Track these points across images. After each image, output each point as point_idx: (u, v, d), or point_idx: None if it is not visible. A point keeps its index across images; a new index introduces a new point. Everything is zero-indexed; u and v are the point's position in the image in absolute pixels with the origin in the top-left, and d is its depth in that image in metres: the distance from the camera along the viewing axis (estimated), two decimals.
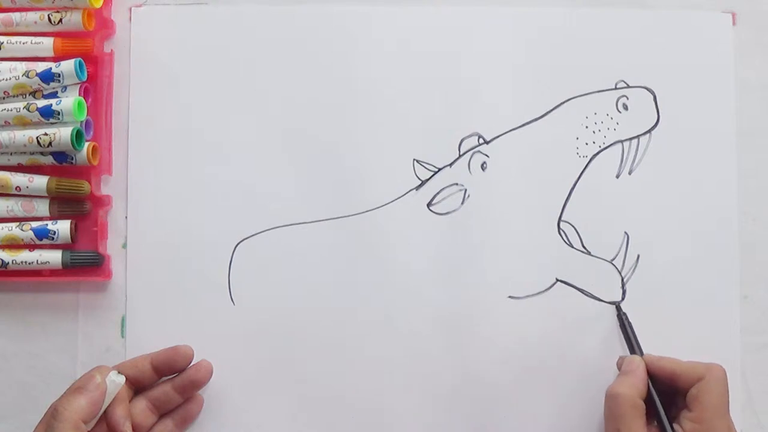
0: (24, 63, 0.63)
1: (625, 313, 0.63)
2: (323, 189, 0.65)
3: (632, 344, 0.62)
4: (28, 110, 0.62)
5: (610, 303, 0.64)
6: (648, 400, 0.58)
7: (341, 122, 0.65)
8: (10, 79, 0.62)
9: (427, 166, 0.65)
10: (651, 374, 0.60)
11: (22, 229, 0.63)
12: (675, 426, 0.58)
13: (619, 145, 0.65)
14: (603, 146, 0.65)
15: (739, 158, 0.65)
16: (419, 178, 0.65)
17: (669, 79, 0.65)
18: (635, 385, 0.58)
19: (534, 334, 0.64)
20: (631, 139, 0.65)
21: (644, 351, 0.61)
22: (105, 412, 0.58)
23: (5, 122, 0.62)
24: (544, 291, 0.64)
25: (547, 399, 0.64)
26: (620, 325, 0.63)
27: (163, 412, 0.62)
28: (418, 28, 0.66)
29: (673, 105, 0.65)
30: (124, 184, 0.65)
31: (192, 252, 0.65)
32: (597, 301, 0.64)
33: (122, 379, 0.59)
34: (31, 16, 0.63)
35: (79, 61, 0.62)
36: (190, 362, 0.62)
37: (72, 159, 0.63)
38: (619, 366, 0.62)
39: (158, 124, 0.65)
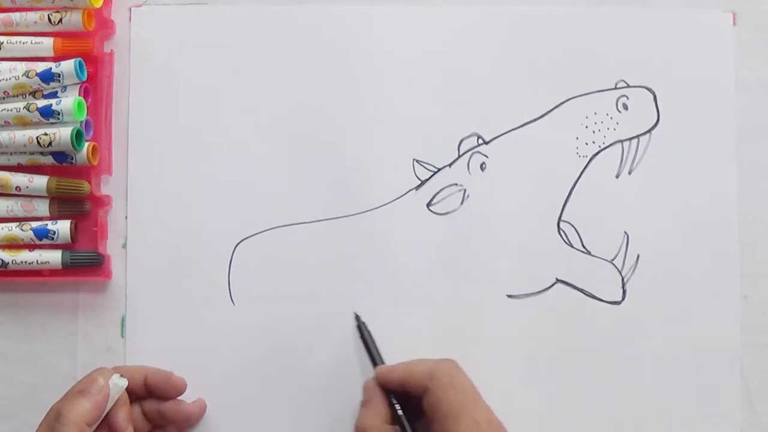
0: (24, 63, 0.63)
1: (364, 323, 0.63)
2: (323, 189, 0.65)
3: (373, 356, 0.61)
4: (28, 110, 0.62)
5: (611, 302, 0.64)
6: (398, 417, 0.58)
7: (341, 122, 0.65)
8: (10, 79, 0.62)
9: (426, 166, 0.65)
10: (388, 389, 0.59)
11: (22, 229, 0.63)
12: None
13: (619, 145, 0.65)
14: (603, 146, 0.65)
15: (739, 158, 0.65)
16: (419, 178, 0.65)
17: (669, 79, 0.65)
18: (377, 413, 0.58)
19: (533, 333, 0.64)
20: (631, 138, 0.65)
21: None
22: (107, 415, 0.58)
23: (5, 122, 0.62)
24: (543, 291, 0.64)
25: (546, 398, 0.64)
26: (360, 336, 0.63)
27: (154, 424, 0.62)
28: (418, 28, 0.66)
29: (673, 105, 0.65)
30: (124, 184, 0.65)
31: (192, 252, 0.65)
32: (597, 301, 0.64)
33: (125, 382, 0.59)
34: (31, 16, 0.63)
35: (79, 61, 0.62)
36: (179, 395, 0.62)
37: (72, 159, 0.63)
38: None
39: (158, 124, 0.65)
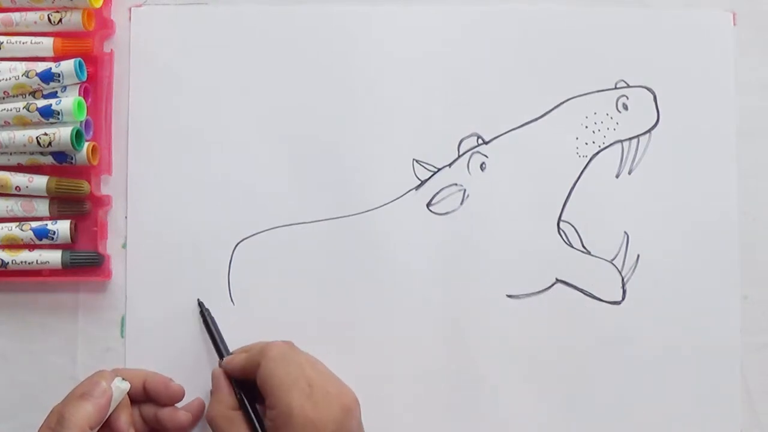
0: (24, 63, 0.63)
1: (207, 309, 0.63)
2: (323, 189, 0.65)
3: (219, 347, 0.62)
4: (27, 110, 0.62)
5: (611, 302, 0.64)
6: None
7: (341, 122, 0.65)
8: (10, 79, 0.62)
9: (426, 166, 0.65)
10: (233, 377, 0.60)
11: (21, 229, 0.63)
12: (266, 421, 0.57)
13: (619, 144, 0.65)
14: (603, 146, 0.65)
15: (739, 158, 0.65)
16: (419, 178, 0.65)
17: (669, 79, 0.65)
18: (222, 401, 0.59)
19: (533, 333, 0.64)
20: (631, 138, 0.65)
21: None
22: (108, 418, 0.58)
23: (5, 122, 0.62)
24: (543, 291, 0.64)
25: (546, 398, 0.64)
26: (203, 323, 0.63)
27: (152, 427, 0.62)
28: (418, 28, 0.66)
29: (673, 105, 0.65)
30: (124, 184, 0.65)
31: (192, 252, 0.65)
32: (597, 301, 0.64)
33: (127, 385, 0.59)
34: (31, 16, 0.63)
35: (79, 61, 0.62)
36: (176, 402, 0.62)
37: (72, 159, 0.63)
38: None
39: (158, 124, 0.65)
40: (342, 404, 0.56)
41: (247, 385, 0.59)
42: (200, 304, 0.63)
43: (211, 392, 0.61)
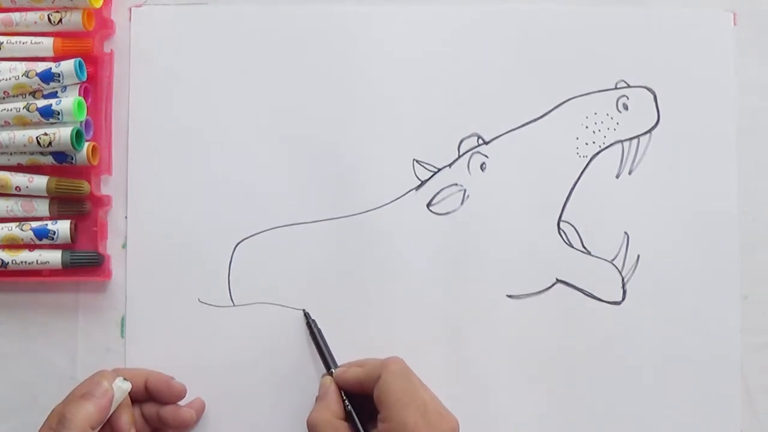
0: (24, 63, 0.63)
1: (314, 320, 0.63)
2: (323, 189, 0.65)
3: (326, 357, 0.62)
4: (28, 110, 0.62)
5: (611, 303, 0.64)
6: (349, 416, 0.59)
7: (341, 122, 0.65)
8: (10, 79, 0.62)
9: (426, 166, 0.65)
10: (344, 388, 0.60)
11: (22, 229, 0.63)
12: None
13: (619, 145, 0.65)
14: (603, 146, 0.65)
15: (739, 158, 0.65)
16: (419, 179, 0.65)
17: (669, 79, 0.65)
18: (329, 408, 0.59)
19: (534, 334, 0.64)
20: (631, 139, 0.65)
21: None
22: (109, 418, 0.58)
23: (5, 122, 0.62)
24: (544, 291, 0.64)
25: (546, 398, 0.64)
26: (310, 334, 0.63)
27: (153, 427, 0.62)
28: (418, 28, 0.66)
29: (674, 105, 0.65)
30: (124, 184, 0.65)
31: (192, 252, 0.65)
32: (597, 301, 0.64)
33: (128, 385, 0.59)
34: (31, 16, 0.63)
35: (79, 61, 0.62)
36: (178, 401, 0.62)
37: (72, 159, 0.63)
38: None
39: (158, 124, 0.65)
40: (451, 428, 0.57)
41: (354, 398, 0.59)
42: (306, 315, 0.63)
43: (318, 398, 0.60)
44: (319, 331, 0.63)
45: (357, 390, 0.59)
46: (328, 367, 0.61)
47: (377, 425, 0.57)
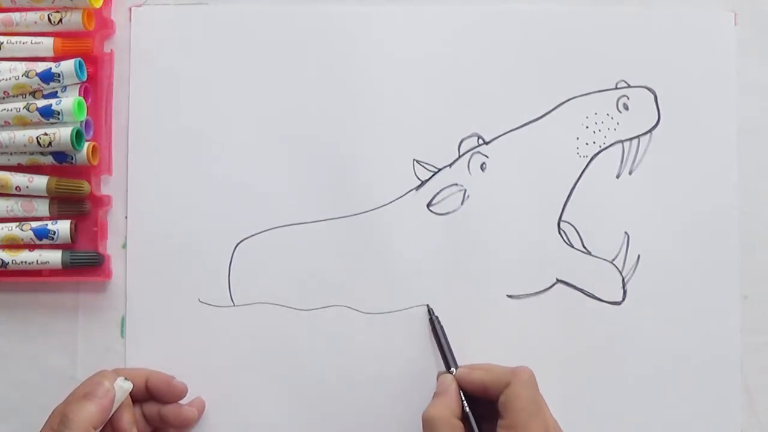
0: (24, 63, 0.63)
1: (437, 317, 0.63)
2: (323, 189, 0.65)
3: (446, 354, 0.62)
4: (28, 110, 0.62)
5: (611, 303, 0.64)
6: (465, 416, 0.58)
7: (341, 122, 0.65)
8: (10, 79, 0.62)
9: (426, 166, 0.65)
10: (464, 389, 0.59)
11: (22, 229, 0.63)
12: None
13: (620, 145, 0.65)
14: (603, 146, 0.65)
15: (739, 158, 0.65)
16: (419, 179, 0.65)
17: (670, 79, 0.65)
18: (448, 406, 0.58)
19: (534, 334, 0.64)
20: (631, 139, 0.65)
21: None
22: (111, 418, 0.58)
23: (5, 122, 0.62)
24: (544, 291, 0.64)
25: (546, 398, 0.63)
26: (432, 331, 0.63)
27: (154, 426, 0.62)
28: (419, 29, 0.65)
29: (674, 105, 0.65)
30: (124, 184, 0.65)
31: (192, 252, 0.65)
32: (597, 302, 0.64)
33: (130, 385, 0.59)
34: (31, 16, 0.63)
35: (79, 61, 0.62)
36: (179, 399, 0.62)
37: (72, 159, 0.63)
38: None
39: (158, 124, 0.65)
40: None
41: (470, 400, 0.59)
42: (430, 311, 0.63)
43: (437, 394, 0.60)
44: (442, 327, 0.62)
45: (478, 392, 0.59)
46: (448, 365, 0.61)
47: (496, 430, 0.56)
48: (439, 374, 0.61)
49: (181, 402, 0.62)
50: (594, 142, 0.65)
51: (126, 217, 0.65)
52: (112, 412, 0.58)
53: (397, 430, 0.64)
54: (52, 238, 0.63)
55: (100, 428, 0.57)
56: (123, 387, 0.59)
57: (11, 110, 0.62)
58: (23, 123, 0.62)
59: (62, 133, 0.61)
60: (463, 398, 0.59)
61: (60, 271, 0.63)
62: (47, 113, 0.61)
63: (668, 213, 0.65)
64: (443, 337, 0.62)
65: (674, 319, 0.64)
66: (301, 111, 0.65)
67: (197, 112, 0.65)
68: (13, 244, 0.63)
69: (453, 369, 0.61)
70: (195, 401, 0.63)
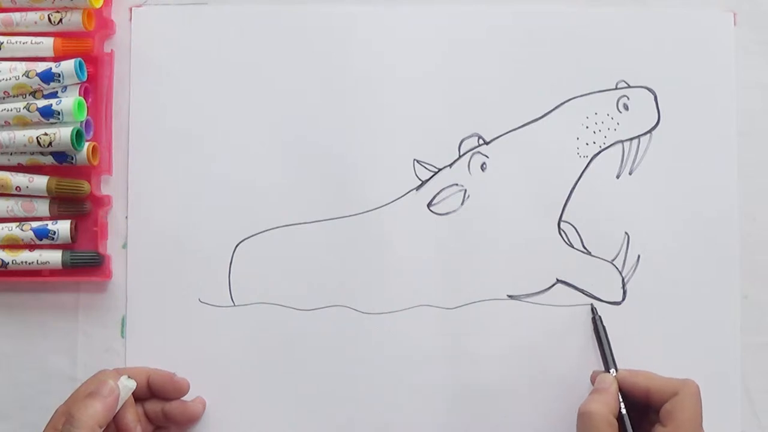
0: (24, 63, 0.63)
1: (600, 317, 0.63)
2: (323, 189, 0.65)
3: (606, 354, 0.61)
4: (28, 110, 0.62)
5: (611, 303, 0.64)
6: (619, 418, 0.58)
7: (341, 122, 0.65)
8: (10, 79, 0.62)
9: (427, 166, 0.65)
10: (623, 390, 0.59)
11: (22, 229, 0.63)
12: None
13: (620, 145, 0.65)
14: (603, 146, 0.65)
15: (739, 158, 0.65)
16: (419, 179, 0.65)
17: (669, 79, 0.65)
18: (608, 403, 0.58)
19: (534, 334, 0.64)
20: (631, 139, 0.65)
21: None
22: (115, 416, 0.58)
23: (5, 122, 0.62)
24: (544, 291, 0.64)
25: (546, 398, 0.64)
26: (594, 331, 0.63)
27: (157, 424, 0.62)
28: (419, 28, 0.65)
29: (674, 105, 0.65)
30: (124, 184, 0.65)
31: (192, 252, 0.65)
32: (597, 302, 0.64)
33: (133, 383, 0.59)
34: (31, 16, 0.63)
35: (79, 61, 0.62)
36: (182, 396, 0.62)
37: (72, 159, 0.63)
38: (593, 380, 0.62)
39: (158, 124, 0.65)
40: None
41: (628, 401, 0.59)
42: (593, 310, 0.63)
43: (595, 391, 0.59)
44: (605, 328, 0.62)
45: (639, 396, 0.59)
46: (607, 365, 0.61)
47: None
48: (596, 373, 0.61)
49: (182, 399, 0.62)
50: (594, 142, 0.65)
51: (126, 217, 0.65)
52: (116, 411, 0.58)
53: (396, 430, 0.63)
54: (53, 238, 0.63)
55: (104, 427, 0.57)
56: (127, 385, 0.59)
57: (11, 110, 0.62)
58: (23, 123, 0.62)
59: (62, 133, 0.61)
60: (621, 399, 0.59)
61: (60, 271, 0.63)
62: (47, 113, 0.61)
63: (668, 213, 0.65)
64: (605, 337, 0.62)
65: (674, 319, 0.64)
66: (302, 111, 0.65)
67: (197, 112, 0.65)
68: (13, 244, 0.63)
69: (612, 370, 0.60)
70: (195, 400, 0.63)
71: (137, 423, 0.59)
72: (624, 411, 0.58)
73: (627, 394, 0.59)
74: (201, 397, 0.63)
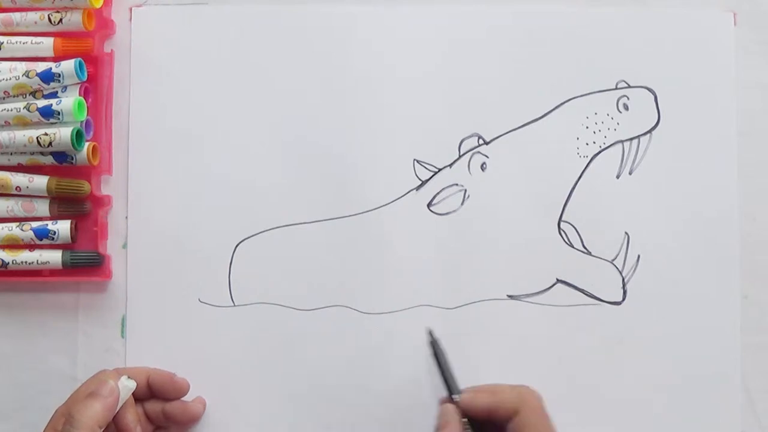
0: (24, 63, 0.63)
1: (437, 340, 0.61)
2: (323, 189, 0.65)
3: (448, 381, 0.60)
4: (28, 110, 0.62)
5: (611, 303, 0.64)
6: None
7: (342, 122, 0.65)
8: (10, 79, 0.62)
9: (427, 166, 0.65)
10: (469, 415, 0.58)
11: (22, 229, 0.63)
12: None
13: (620, 145, 0.65)
14: (603, 146, 0.65)
15: (739, 158, 0.65)
16: (419, 179, 0.65)
17: (670, 79, 0.65)
18: None
19: (534, 334, 0.64)
20: (631, 139, 0.65)
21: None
22: (115, 417, 0.58)
23: (5, 122, 0.62)
24: (544, 291, 0.64)
25: (546, 399, 0.64)
26: (432, 355, 0.61)
27: (157, 425, 0.62)
28: (420, 29, 0.65)
29: (674, 105, 0.65)
30: (124, 184, 0.65)
31: (192, 252, 0.65)
32: (597, 301, 0.64)
33: (133, 384, 0.59)
34: (31, 16, 0.63)
35: (79, 61, 0.62)
36: (182, 396, 0.62)
37: (72, 159, 0.63)
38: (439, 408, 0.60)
39: (158, 124, 0.65)
40: None
41: (477, 423, 0.58)
42: (430, 333, 0.62)
43: (438, 427, 0.58)
44: (443, 352, 0.61)
45: (483, 418, 0.57)
46: (450, 392, 0.59)
47: None
48: (441, 402, 0.60)
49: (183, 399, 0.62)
50: (594, 142, 0.65)
51: (126, 217, 0.65)
52: (116, 411, 0.58)
53: (396, 430, 0.64)
54: (53, 238, 0.63)
55: (105, 427, 0.57)
56: (127, 386, 0.59)
57: (11, 110, 0.62)
58: (23, 123, 0.62)
59: (62, 133, 0.61)
60: (468, 427, 0.57)
61: (60, 271, 0.64)
62: (47, 113, 0.61)
63: (668, 213, 0.65)
64: (444, 362, 0.61)
65: (674, 319, 0.64)
66: (302, 111, 0.65)
67: (197, 112, 0.65)
68: (13, 244, 0.63)
69: (456, 396, 0.59)
70: (195, 400, 0.63)
71: (137, 423, 0.59)
72: None
73: (474, 418, 0.58)
74: (201, 397, 0.63)
